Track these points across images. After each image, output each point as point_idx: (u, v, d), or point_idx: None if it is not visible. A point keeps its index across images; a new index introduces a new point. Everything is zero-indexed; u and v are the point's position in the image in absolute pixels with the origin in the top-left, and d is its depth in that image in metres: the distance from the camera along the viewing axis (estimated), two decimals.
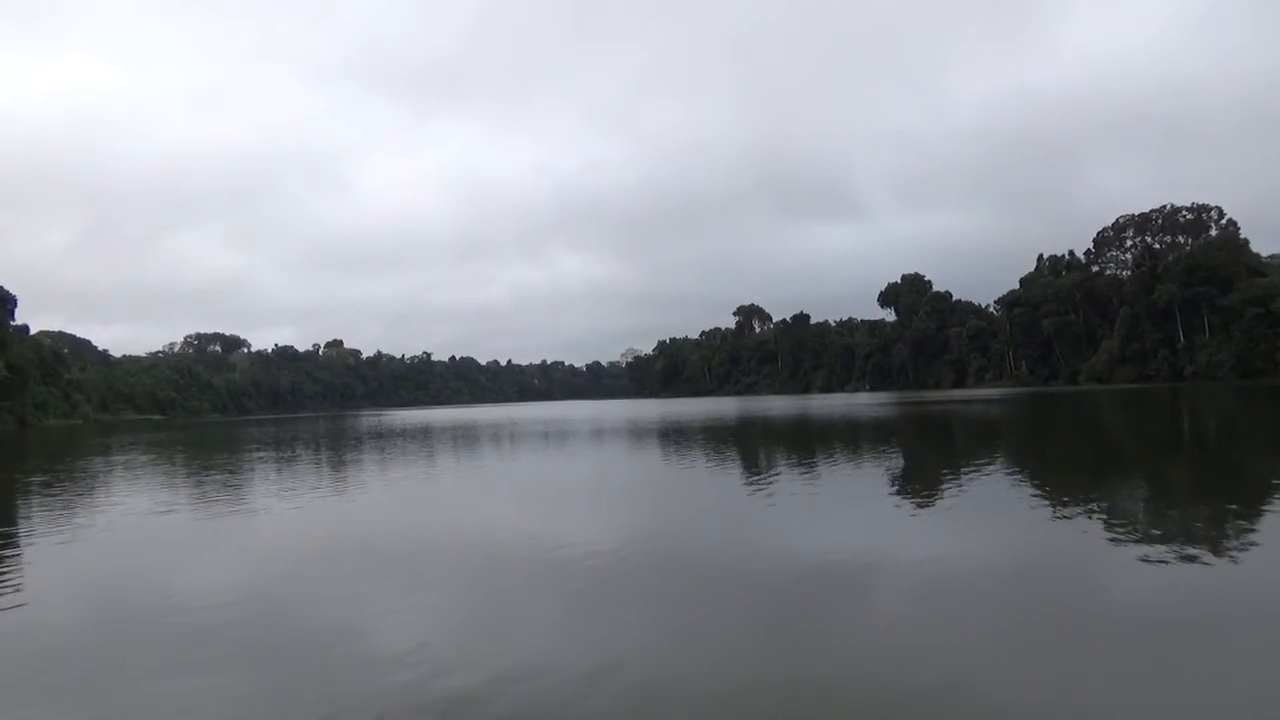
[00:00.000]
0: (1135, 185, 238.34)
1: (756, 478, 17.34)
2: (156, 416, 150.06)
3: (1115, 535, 9.75)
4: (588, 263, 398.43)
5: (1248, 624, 6.26)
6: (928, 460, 21.20)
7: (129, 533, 12.75)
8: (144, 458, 31.65)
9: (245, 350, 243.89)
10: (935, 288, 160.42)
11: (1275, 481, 13.59)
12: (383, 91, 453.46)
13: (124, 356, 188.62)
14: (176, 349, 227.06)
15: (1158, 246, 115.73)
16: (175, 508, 15.47)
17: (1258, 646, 5.79)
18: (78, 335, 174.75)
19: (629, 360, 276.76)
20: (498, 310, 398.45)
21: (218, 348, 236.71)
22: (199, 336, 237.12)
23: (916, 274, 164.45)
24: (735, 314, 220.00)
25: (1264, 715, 4.78)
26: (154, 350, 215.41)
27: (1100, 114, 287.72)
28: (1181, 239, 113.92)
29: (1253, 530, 9.87)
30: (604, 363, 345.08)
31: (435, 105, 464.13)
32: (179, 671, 6.03)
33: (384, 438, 40.98)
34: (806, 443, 27.93)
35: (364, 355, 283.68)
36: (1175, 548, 8.85)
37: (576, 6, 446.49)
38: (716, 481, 17.12)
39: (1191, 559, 8.29)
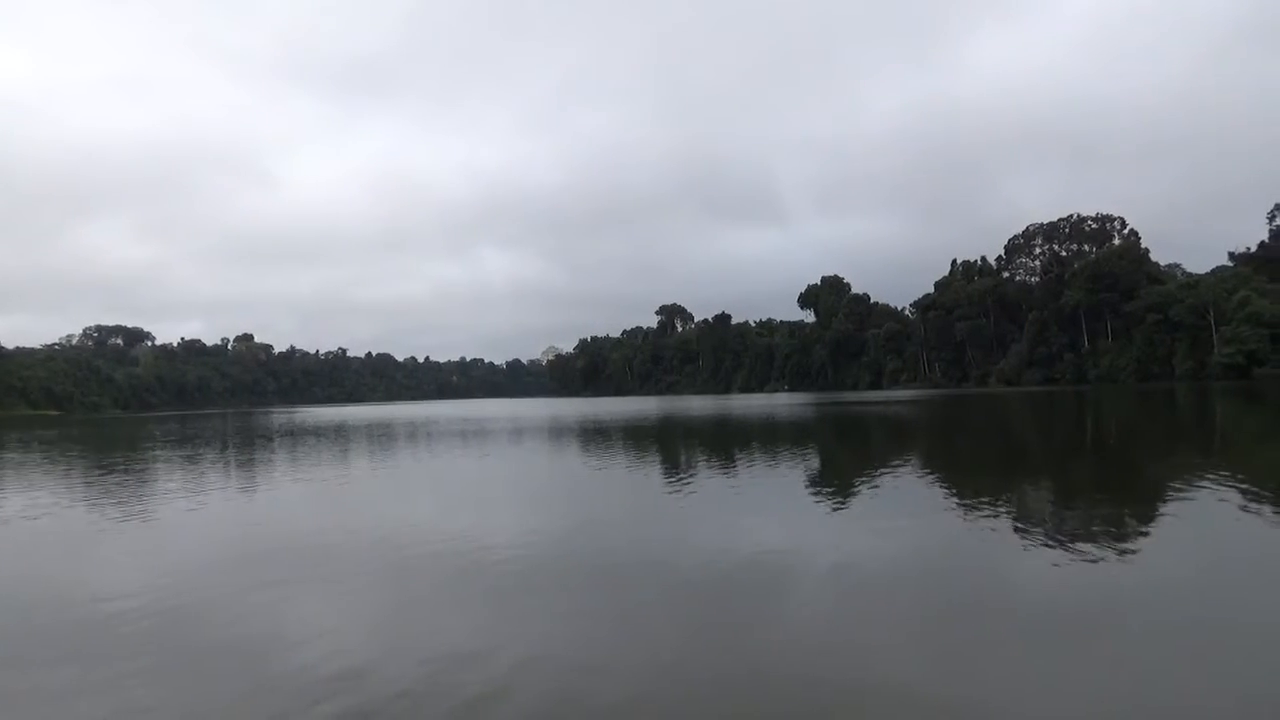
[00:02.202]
0: (1044, 196, 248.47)
1: (677, 477, 17.24)
2: (52, 412, 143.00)
3: (1020, 532, 10.00)
4: (511, 261, 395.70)
5: (1143, 615, 6.53)
6: (844, 460, 21.47)
7: (19, 534, 11.96)
8: (36, 455, 29.93)
9: (149, 344, 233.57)
10: (854, 290, 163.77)
11: (1168, 480, 14.16)
12: (311, 88, 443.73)
13: (17, 348, 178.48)
14: (75, 341, 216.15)
15: (1064, 254, 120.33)
16: (69, 508, 14.60)
17: (1151, 635, 6.05)
18: None
19: (550, 359, 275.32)
20: (418, 307, 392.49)
21: (119, 340, 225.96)
22: (99, 329, 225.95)
23: (836, 276, 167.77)
24: (657, 313, 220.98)
25: (1155, 699, 4.97)
26: (50, 343, 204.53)
27: (1010, 129, 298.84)
28: (1087, 247, 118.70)
29: (1147, 527, 10.27)
30: (524, 361, 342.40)
31: (364, 103, 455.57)
32: (80, 674, 5.77)
33: (294, 436, 39.70)
34: (726, 442, 28.01)
35: (276, 350, 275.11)
36: (1076, 543, 9.12)
37: (507, 10, 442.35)
38: (637, 481, 16.97)
39: (1091, 554, 8.56)
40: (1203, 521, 10.31)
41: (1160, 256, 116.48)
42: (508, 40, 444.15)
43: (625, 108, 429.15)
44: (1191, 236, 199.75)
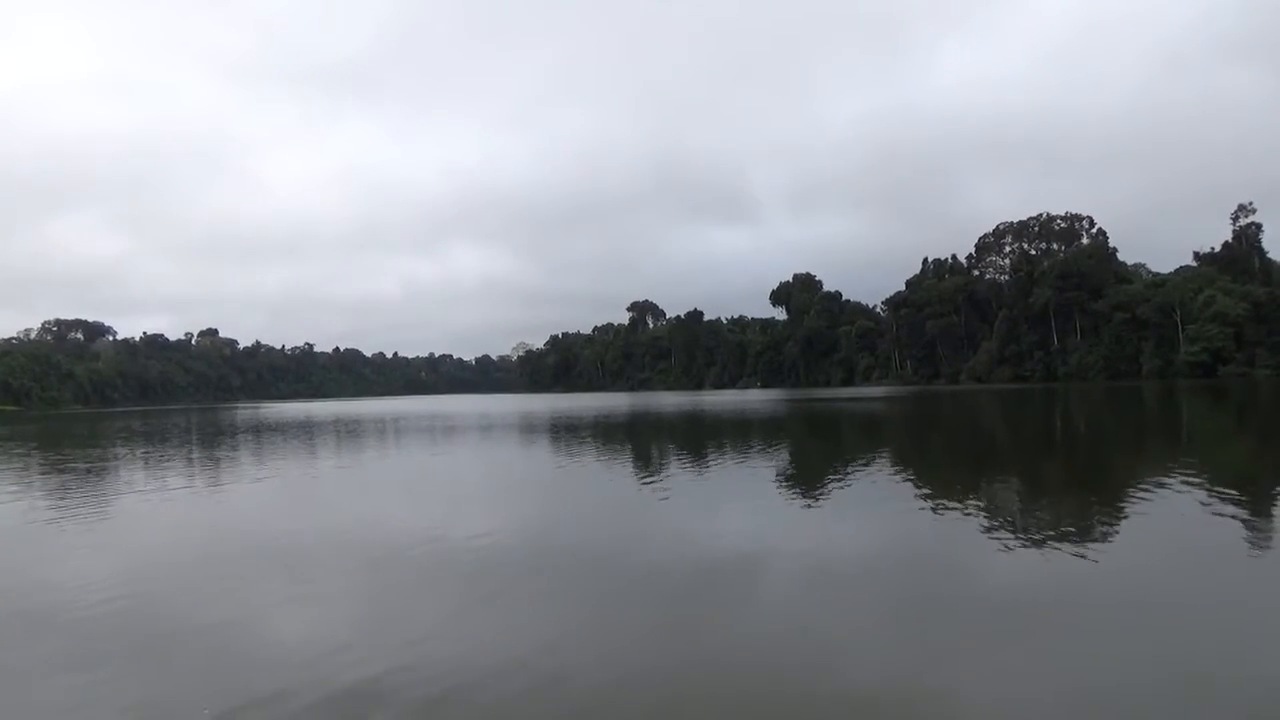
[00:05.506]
0: (1011, 198, 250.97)
1: (649, 473, 17.13)
2: (10, 407, 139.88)
3: (987, 526, 10.04)
4: (484, 258, 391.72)
5: (1103, 606, 6.61)
6: (815, 456, 21.46)
7: None
8: None
9: (110, 338, 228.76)
10: (826, 288, 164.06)
11: (1134, 477, 14.22)
12: (287, 87, 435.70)
13: None
14: (33, 335, 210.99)
15: (1034, 253, 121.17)
16: (30, 505, 14.06)
17: (1111, 625, 6.13)
18: None
19: (520, 355, 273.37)
20: (388, 303, 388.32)
21: (79, 335, 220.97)
22: (59, 323, 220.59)
23: (808, 274, 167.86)
24: (629, 310, 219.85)
25: (1115, 685, 5.00)
26: (8, 337, 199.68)
27: (977, 134, 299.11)
28: (1056, 246, 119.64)
29: (1111, 522, 10.30)
30: (494, 357, 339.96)
31: (339, 102, 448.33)
32: (52, 673, 5.66)
33: (258, 432, 38.88)
34: (698, 438, 27.81)
35: (241, 346, 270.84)
36: (1043, 538, 9.17)
37: (483, 12, 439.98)
38: (610, 477, 16.80)
39: (1057, 548, 8.60)
40: (1166, 517, 10.28)
41: (1126, 256, 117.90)
42: (485, 42, 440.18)
43: (600, 109, 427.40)
44: (1154, 237, 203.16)
